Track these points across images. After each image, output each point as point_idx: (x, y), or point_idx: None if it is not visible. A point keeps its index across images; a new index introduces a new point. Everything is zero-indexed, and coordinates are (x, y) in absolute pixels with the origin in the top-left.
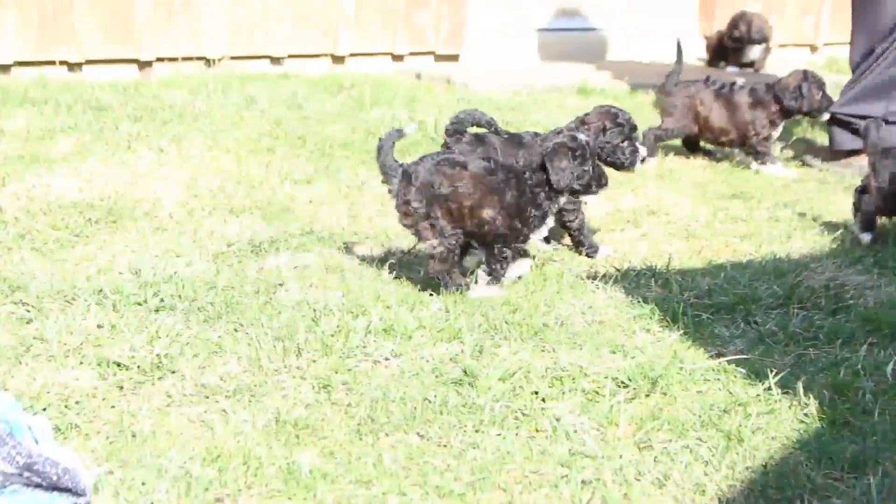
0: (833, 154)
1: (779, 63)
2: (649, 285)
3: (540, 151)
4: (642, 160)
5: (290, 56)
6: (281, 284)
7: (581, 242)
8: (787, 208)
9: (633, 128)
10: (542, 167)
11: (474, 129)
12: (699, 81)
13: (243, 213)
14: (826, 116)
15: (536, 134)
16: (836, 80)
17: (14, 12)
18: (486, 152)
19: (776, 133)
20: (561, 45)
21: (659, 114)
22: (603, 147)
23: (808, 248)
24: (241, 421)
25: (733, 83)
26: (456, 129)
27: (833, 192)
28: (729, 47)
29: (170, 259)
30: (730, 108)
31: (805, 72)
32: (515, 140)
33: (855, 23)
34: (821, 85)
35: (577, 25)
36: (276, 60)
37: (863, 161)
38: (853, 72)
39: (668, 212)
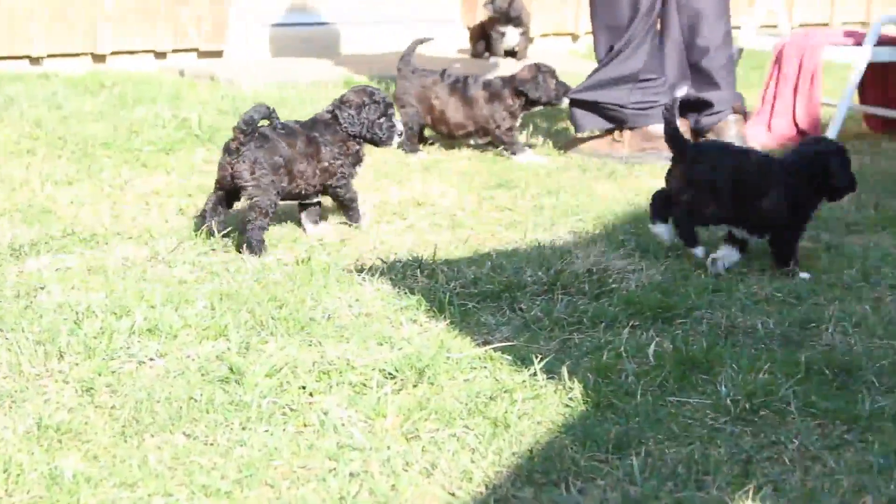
0: (574, 140)
1: (541, 53)
2: (416, 276)
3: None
4: (399, 134)
5: (49, 56)
6: (42, 287)
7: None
8: (551, 196)
9: (390, 105)
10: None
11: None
12: (435, 73)
13: (2, 216)
14: (566, 103)
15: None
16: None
17: None
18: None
19: (517, 123)
20: (300, 40)
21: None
22: (363, 123)
23: (571, 234)
24: (2, 427)
25: (467, 77)
26: (248, 125)
27: (595, 179)
28: (490, 35)
29: None
30: (466, 102)
31: (537, 64)
32: (288, 130)
33: (594, 21)
34: (553, 74)
35: (311, 20)
36: (35, 60)
37: (621, 152)
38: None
39: (434, 203)
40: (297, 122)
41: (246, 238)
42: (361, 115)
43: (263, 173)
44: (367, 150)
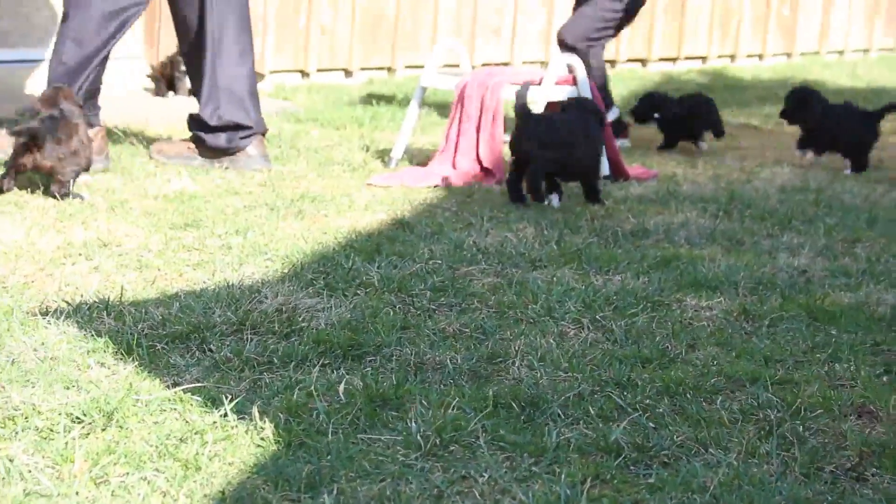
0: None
1: None
2: (102, 318)
3: None
4: None
5: None
6: None
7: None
8: (239, 235)
9: None
10: None
11: None
12: None
13: None
14: None
15: None
16: None
17: None
18: None
19: None
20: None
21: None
22: None
23: (260, 273)
24: None
25: None
26: None
27: (283, 218)
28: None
29: None
30: None
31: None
32: None
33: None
34: None
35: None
36: None
37: None
38: None
39: (121, 243)
40: None
41: None
42: None
43: None
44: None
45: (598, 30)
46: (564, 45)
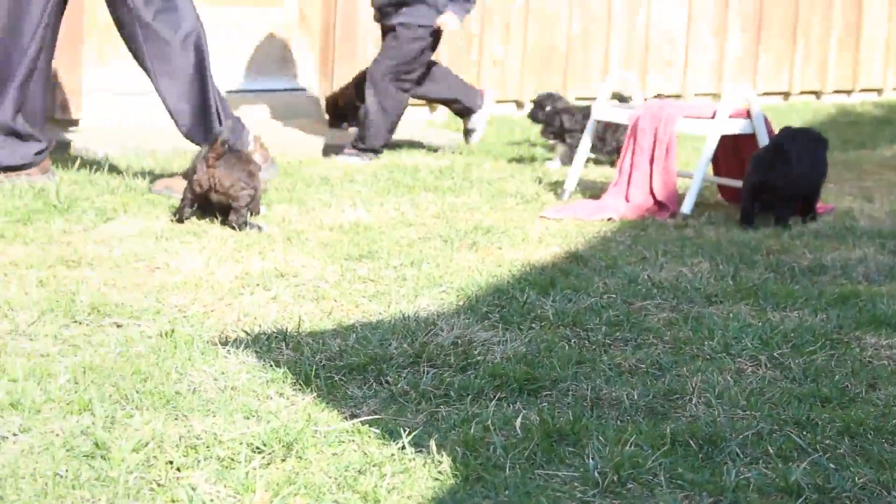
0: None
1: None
2: (281, 349)
3: None
4: None
5: None
6: None
7: None
8: (414, 267)
9: None
10: None
11: None
12: None
13: None
14: None
15: None
16: None
17: None
18: None
19: None
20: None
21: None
22: None
23: (435, 305)
24: None
25: None
26: None
27: (457, 250)
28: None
29: None
30: None
31: None
32: None
33: None
34: None
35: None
36: None
37: None
38: None
39: (297, 273)
40: None
41: None
42: None
43: None
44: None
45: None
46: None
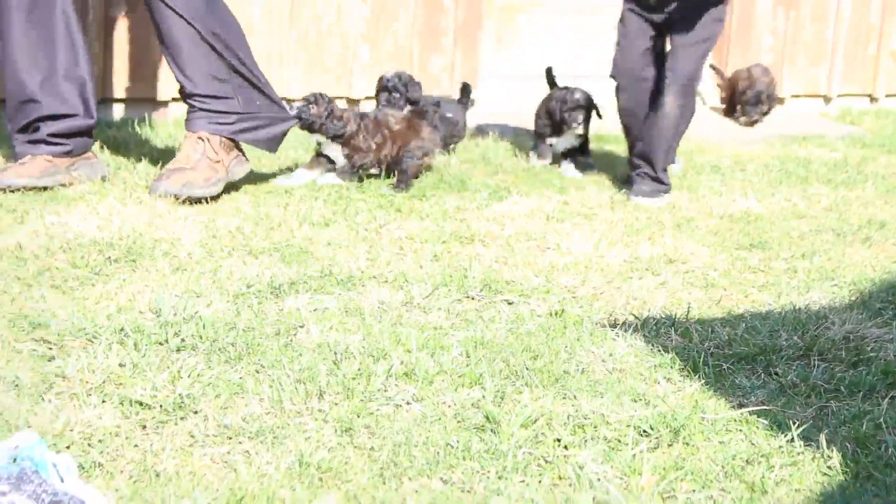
0: None
1: (791, 115)
2: (669, 334)
3: None
4: None
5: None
6: (301, 326)
7: None
8: (805, 259)
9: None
10: None
11: None
12: None
13: (262, 254)
14: None
15: None
16: None
17: None
18: None
19: None
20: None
21: None
22: None
23: (826, 299)
24: (264, 462)
25: None
26: None
27: (850, 244)
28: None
29: (190, 299)
30: None
31: None
32: None
33: None
34: None
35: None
36: (289, 101)
37: None
38: None
39: (686, 260)
40: None
41: None
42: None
43: None
44: (620, 207)
45: None
46: None
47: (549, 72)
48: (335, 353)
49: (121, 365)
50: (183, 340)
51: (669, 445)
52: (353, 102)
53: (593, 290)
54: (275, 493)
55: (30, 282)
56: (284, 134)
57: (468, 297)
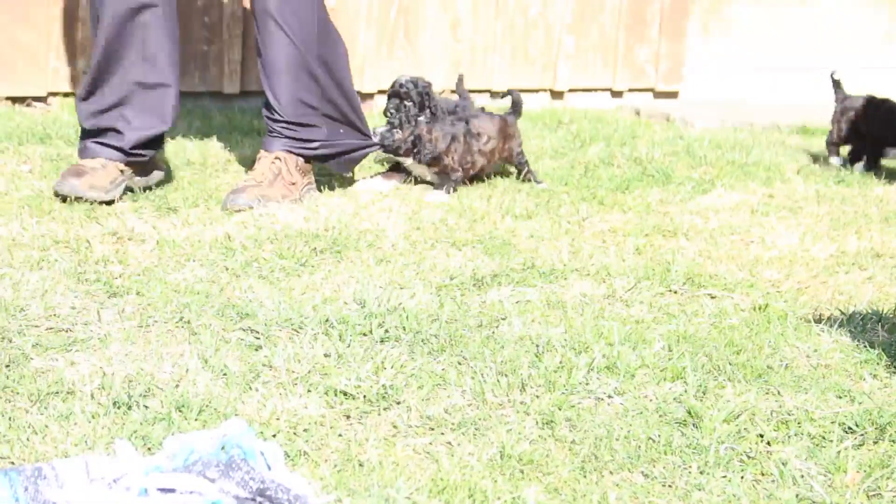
0: None
1: None
2: (876, 330)
3: None
4: None
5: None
6: (503, 319)
7: None
8: None
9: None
10: None
11: None
12: None
13: (465, 246)
14: None
15: None
16: None
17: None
18: None
19: None
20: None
21: None
22: None
23: None
24: (466, 454)
25: None
26: None
27: None
28: None
29: (394, 290)
30: None
31: None
32: None
33: None
34: None
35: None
36: (494, 94)
37: None
38: None
39: (894, 255)
40: None
41: None
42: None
43: None
44: (826, 200)
45: None
46: None
47: (832, 77)
48: (537, 346)
49: (326, 355)
50: (387, 331)
51: (875, 443)
52: (556, 94)
53: (798, 284)
54: (476, 485)
55: (238, 272)
56: (363, 158)
57: (671, 290)
